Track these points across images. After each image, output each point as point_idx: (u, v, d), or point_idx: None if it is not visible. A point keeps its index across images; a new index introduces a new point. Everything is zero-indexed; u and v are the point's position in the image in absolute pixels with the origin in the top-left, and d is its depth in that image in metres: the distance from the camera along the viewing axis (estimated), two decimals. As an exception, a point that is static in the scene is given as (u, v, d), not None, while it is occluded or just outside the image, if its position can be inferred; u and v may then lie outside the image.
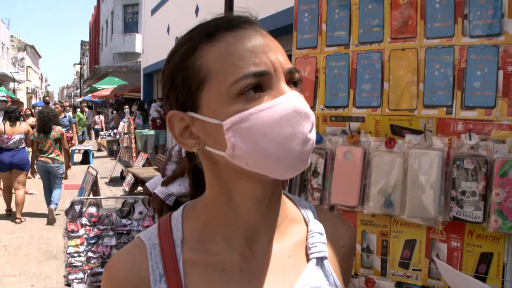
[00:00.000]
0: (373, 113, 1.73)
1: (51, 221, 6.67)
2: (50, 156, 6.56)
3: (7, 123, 6.58)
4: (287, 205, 0.78)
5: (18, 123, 6.67)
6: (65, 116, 10.07)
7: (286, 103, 0.63)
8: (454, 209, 1.53)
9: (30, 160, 6.79)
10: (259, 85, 0.63)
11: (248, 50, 0.64)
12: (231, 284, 0.70)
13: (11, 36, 45.66)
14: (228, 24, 0.67)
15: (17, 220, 6.78)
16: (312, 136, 0.65)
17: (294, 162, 0.64)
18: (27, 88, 45.28)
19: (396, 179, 1.61)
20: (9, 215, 7.07)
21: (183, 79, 0.67)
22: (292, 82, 0.67)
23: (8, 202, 7.14)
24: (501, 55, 1.49)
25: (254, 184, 0.69)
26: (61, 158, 6.72)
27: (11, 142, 6.54)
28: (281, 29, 4.86)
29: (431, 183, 1.55)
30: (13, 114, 6.55)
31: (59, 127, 6.85)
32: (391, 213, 1.63)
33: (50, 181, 6.80)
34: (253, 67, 0.63)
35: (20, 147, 6.67)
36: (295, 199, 0.83)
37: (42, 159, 6.56)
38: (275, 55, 0.65)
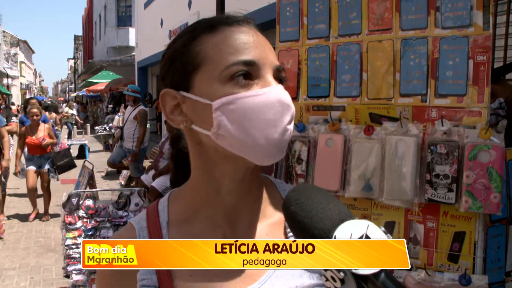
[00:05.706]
0: (353, 102, 1.81)
1: None
2: None
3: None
4: (267, 188, 0.85)
5: None
6: None
7: (271, 94, 0.69)
8: (429, 191, 1.62)
9: None
10: (249, 74, 0.69)
11: (242, 43, 0.71)
12: None
13: (3, 31, 45.33)
14: (228, 20, 0.74)
15: None
16: (291, 127, 0.73)
17: (272, 149, 0.71)
18: (21, 83, 45.02)
19: (375, 164, 1.70)
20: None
21: (181, 62, 0.74)
22: (278, 79, 0.74)
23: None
24: (471, 45, 1.58)
25: (235, 165, 0.75)
26: None
27: None
28: (270, 22, 4.90)
29: (407, 167, 1.64)
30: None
31: None
32: (370, 196, 1.72)
33: None
34: (244, 56, 0.70)
35: None
36: (276, 182, 0.90)
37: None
38: (265, 52, 0.72)
